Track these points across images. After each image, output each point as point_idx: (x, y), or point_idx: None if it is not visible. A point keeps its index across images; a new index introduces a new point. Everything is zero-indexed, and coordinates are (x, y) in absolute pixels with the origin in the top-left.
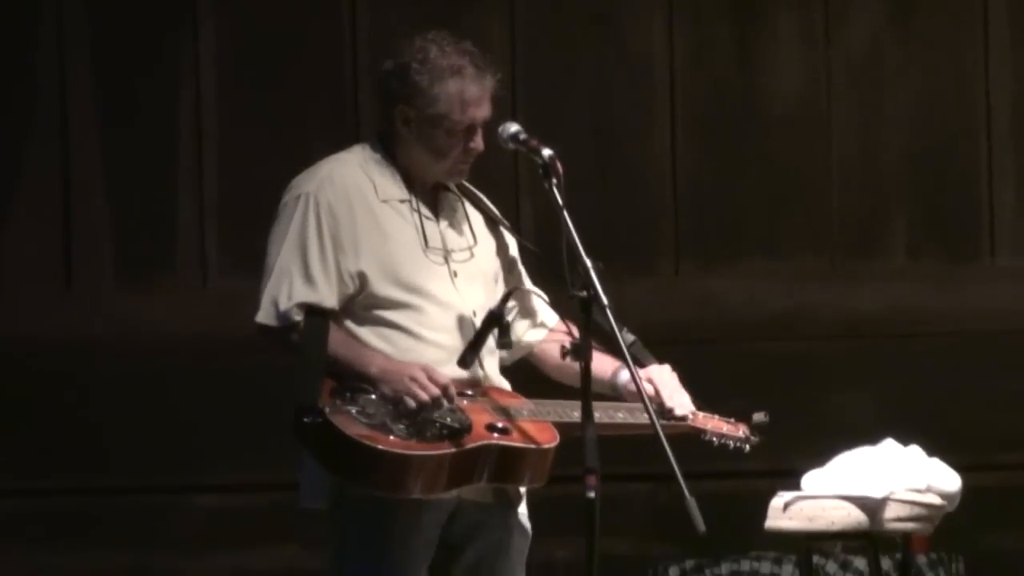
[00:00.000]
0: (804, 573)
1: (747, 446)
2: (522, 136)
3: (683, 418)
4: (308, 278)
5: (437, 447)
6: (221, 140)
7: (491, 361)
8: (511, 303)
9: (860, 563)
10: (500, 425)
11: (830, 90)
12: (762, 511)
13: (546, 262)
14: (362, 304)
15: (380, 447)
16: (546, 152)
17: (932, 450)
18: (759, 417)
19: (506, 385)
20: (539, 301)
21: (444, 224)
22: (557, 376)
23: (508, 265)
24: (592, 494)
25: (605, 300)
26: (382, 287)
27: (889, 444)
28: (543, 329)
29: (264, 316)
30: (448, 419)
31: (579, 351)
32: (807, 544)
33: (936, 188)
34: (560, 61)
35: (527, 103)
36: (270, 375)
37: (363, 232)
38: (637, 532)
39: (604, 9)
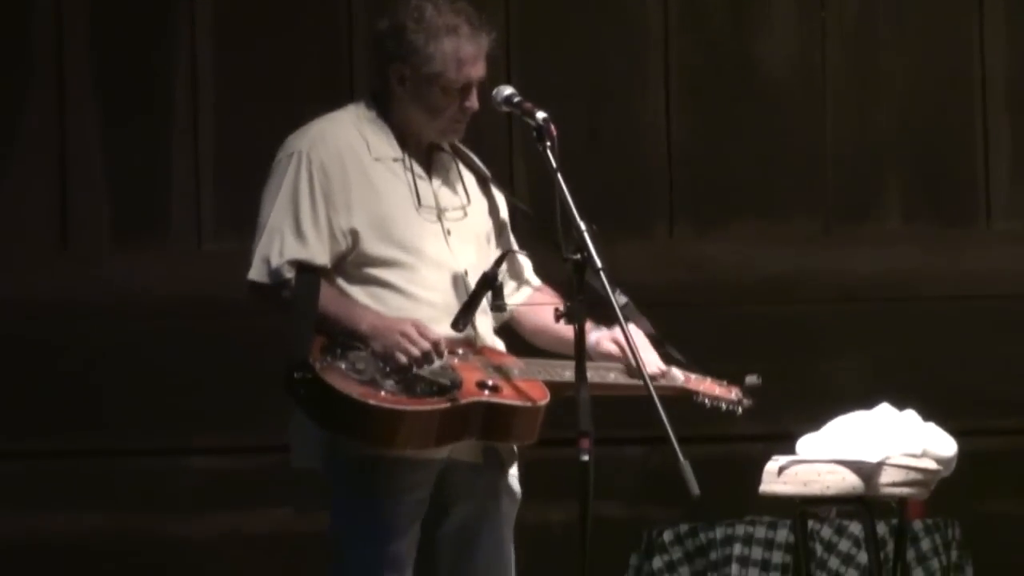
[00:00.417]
0: (799, 538)
1: (739, 408)
2: (516, 99)
3: (656, 375)
4: (300, 235)
5: (427, 403)
6: (217, 102)
7: (483, 320)
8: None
9: (855, 528)
10: (491, 383)
11: (825, 53)
12: (757, 475)
13: (538, 223)
14: (354, 262)
15: (370, 402)
16: (540, 115)
17: (928, 415)
18: (751, 379)
19: (499, 344)
20: (525, 264)
21: (437, 183)
22: (534, 339)
23: (499, 227)
24: (586, 457)
25: (599, 263)
26: (374, 245)
27: (884, 408)
28: (526, 290)
29: (256, 273)
30: (439, 376)
31: (573, 314)
32: (802, 508)
33: (931, 152)
34: (554, 24)
35: (521, 66)
36: (265, 337)
37: (356, 190)
38: (631, 495)
39: None
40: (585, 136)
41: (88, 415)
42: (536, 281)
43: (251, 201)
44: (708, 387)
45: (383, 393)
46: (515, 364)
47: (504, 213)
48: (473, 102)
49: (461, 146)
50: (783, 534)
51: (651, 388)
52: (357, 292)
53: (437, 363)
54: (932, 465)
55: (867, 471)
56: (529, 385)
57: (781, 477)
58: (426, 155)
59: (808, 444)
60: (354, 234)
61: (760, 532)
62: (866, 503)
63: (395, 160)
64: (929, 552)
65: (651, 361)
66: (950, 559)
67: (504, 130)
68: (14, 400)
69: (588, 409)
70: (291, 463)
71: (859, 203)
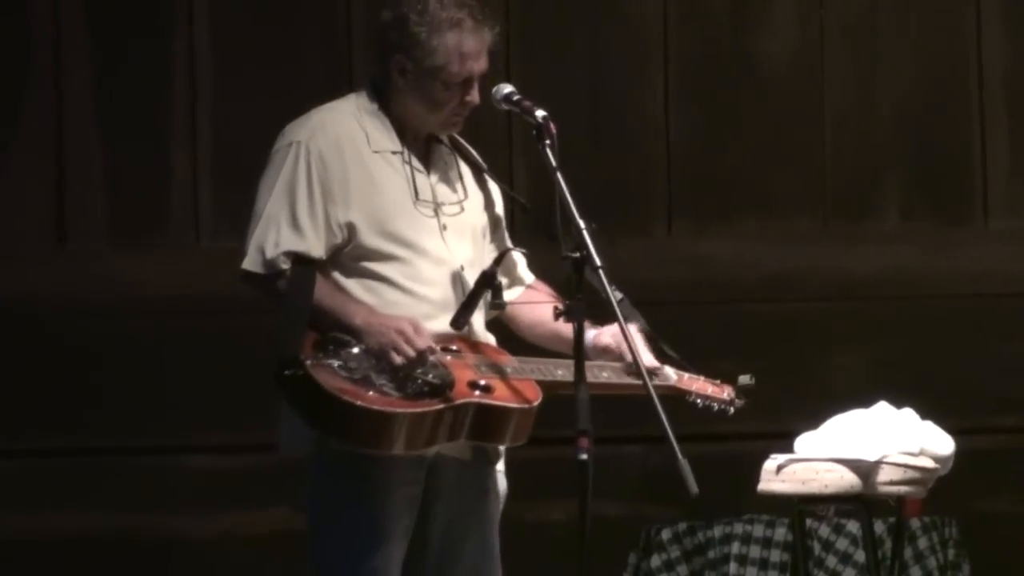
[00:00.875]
0: (797, 536)
1: (731, 408)
2: (515, 97)
3: (652, 370)
4: (296, 226)
5: (418, 404)
6: (215, 97)
7: (477, 317)
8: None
9: (853, 526)
10: (483, 383)
11: (823, 51)
12: (755, 474)
13: (536, 218)
14: (350, 255)
15: (360, 403)
16: (539, 113)
17: (925, 413)
18: (744, 379)
19: (492, 341)
20: (519, 260)
21: (435, 177)
22: (530, 336)
23: (494, 222)
24: (585, 456)
25: (598, 261)
26: (371, 238)
27: (882, 407)
28: (518, 288)
29: (250, 263)
30: (431, 375)
31: (572, 312)
32: (800, 507)
33: (929, 150)
34: (554, 21)
35: (521, 63)
36: (263, 335)
37: (354, 182)
38: (630, 494)
39: None
40: (584, 134)
41: (87, 413)
42: (529, 277)
43: (250, 198)
44: (701, 386)
45: (373, 393)
46: (508, 362)
47: (500, 208)
48: (474, 96)
49: (459, 138)
50: (781, 532)
51: (650, 386)
52: (353, 286)
53: (430, 362)
54: (930, 463)
55: (865, 470)
56: (522, 385)
57: (779, 475)
58: (425, 148)
59: (806, 442)
60: (351, 227)
61: (758, 530)
62: (864, 501)
63: (394, 153)
64: (926, 550)
65: (646, 359)
66: (947, 557)
67: (504, 128)
68: (12, 398)
69: (587, 408)
70: (279, 452)
71: (858, 201)
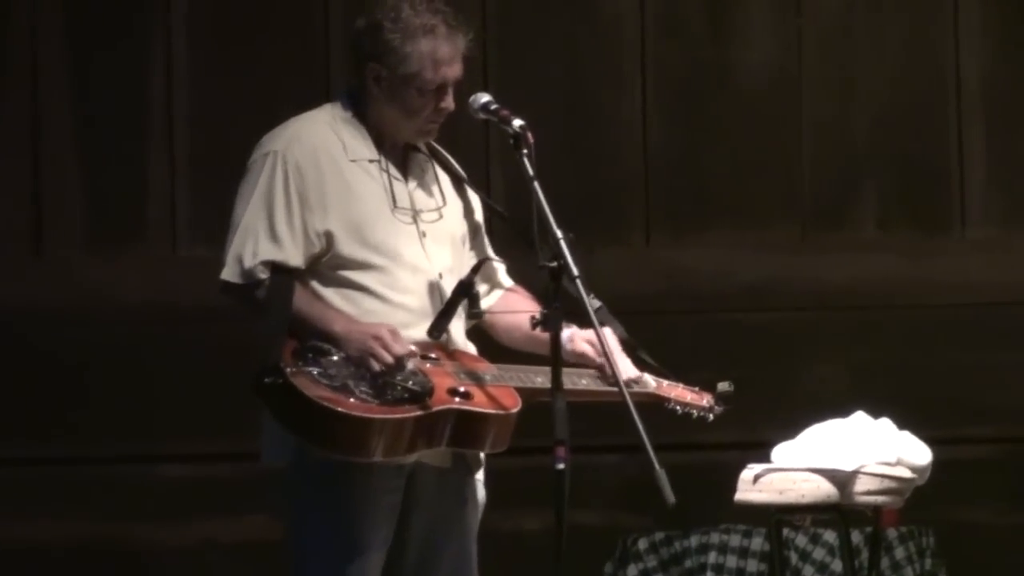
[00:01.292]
0: (774, 546)
1: (711, 415)
2: (493, 106)
3: (630, 382)
4: (274, 236)
5: (398, 410)
6: (191, 107)
7: (457, 324)
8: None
9: (830, 536)
10: (462, 389)
11: (801, 60)
12: (732, 483)
13: (514, 226)
14: (328, 264)
15: (340, 409)
16: (516, 123)
17: (902, 423)
18: (724, 387)
19: (471, 349)
20: (498, 266)
21: (413, 184)
22: (508, 340)
23: (473, 230)
24: (562, 465)
25: (575, 271)
26: (349, 247)
27: (859, 417)
28: (498, 292)
29: (229, 273)
30: (410, 382)
31: (549, 321)
32: (777, 517)
33: (907, 159)
34: (531, 29)
35: (498, 71)
36: (240, 344)
37: (331, 191)
38: (606, 504)
39: None
40: (562, 143)
41: (62, 423)
42: (508, 282)
43: (227, 207)
44: (680, 393)
45: (353, 400)
46: (488, 370)
47: (479, 215)
48: (449, 102)
49: (437, 146)
50: (758, 542)
51: (627, 395)
52: (331, 294)
53: (409, 369)
54: (907, 473)
55: (842, 479)
56: (501, 392)
57: (756, 485)
58: (402, 155)
59: (783, 452)
60: (329, 236)
61: (735, 540)
62: (841, 511)
63: (371, 161)
64: (903, 560)
65: (624, 367)
66: (924, 567)
67: (481, 137)
68: None
69: (564, 417)
70: (261, 459)
71: (835, 211)
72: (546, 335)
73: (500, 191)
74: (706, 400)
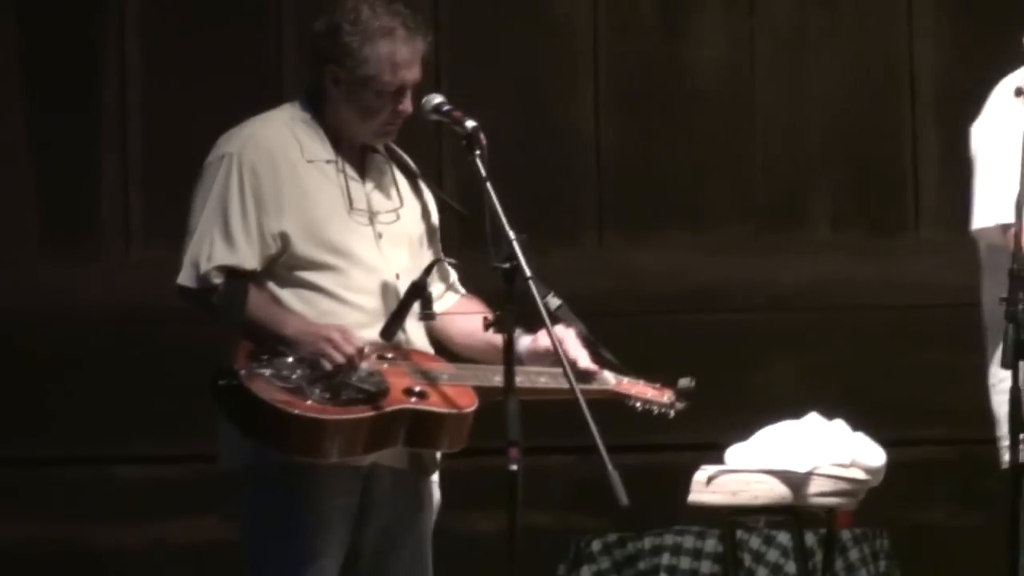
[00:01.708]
0: (727, 548)
1: (671, 412)
2: (445, 107)
3: (588, 372)
4: (229, 240)
5: (353, 411)
6: (144, 107)
7: (413, 324)
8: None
9: (784, 538)
10: (418, 389)
11: (754, 60)
12: (686, 485)
13: (471, 224)
14: (284, 265)
15: (295, 411)
16: (469, 124)
17: (856, 424)
18: (684, 382)
19: (428, 348)
20: (451, 271)
21: (370, 186)
22: (463, 348)
23: (430, 231)
24: (515, 467)
25: (528, 272)
26: (304, 248)
27: (813, 418)
28: (453, 296)
29: (184, 278)
30: (365, 383)
31: (502, 323)
32: (730, 518)
33: (860, 160)
34: (484, 30)
35: (450, 72)
36: (193, 345)
37: (287, 192)
38: (559, 505)
39: None
40: (514, 143)
41: (15, 424)
42: (462, 289)
43: (182, 208)
44: (640, 390)
45: (308, 402)
46: (444, 369)
47: (435, 217)
48: (407, 105)
49: (395, 147)
50: (711, 544)
51: (578, 393)
52: (287, 295)
53: (365, 369)
54: (860, 475)
55: (796, 481)
56: (458, 391)
57: (710, 487)
58: (360, 157)
59: (737, 454)
60: (284, 237)
61: (688, 542)
62: (795, 513)
63: (328, 162)
64: (858, 562)
65: (584, 363)
66: (879, 569)
67: (434, 139)
68: None
69: (517, 418)
70: (217, 463)
71: (788, 211)
72: (501, 343)
73: (453, 193)
74: (667, 396)
